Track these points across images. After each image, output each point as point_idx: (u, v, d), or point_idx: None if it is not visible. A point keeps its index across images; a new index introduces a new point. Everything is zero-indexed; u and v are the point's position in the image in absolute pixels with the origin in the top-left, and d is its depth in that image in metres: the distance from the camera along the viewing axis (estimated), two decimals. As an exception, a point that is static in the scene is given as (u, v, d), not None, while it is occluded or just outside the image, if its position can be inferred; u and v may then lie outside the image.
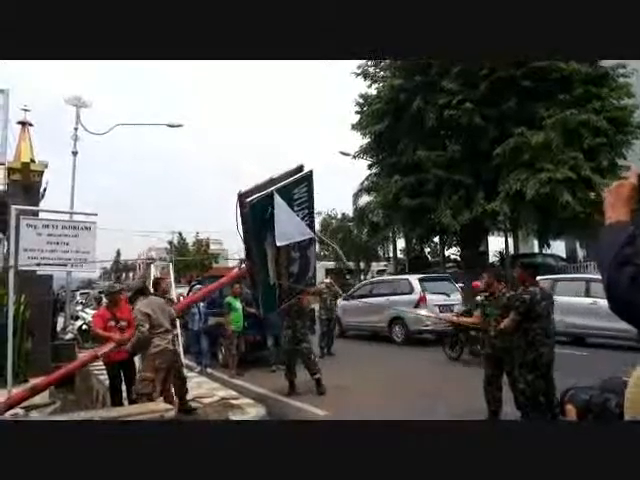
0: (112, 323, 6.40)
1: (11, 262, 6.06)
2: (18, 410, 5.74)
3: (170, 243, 49.29)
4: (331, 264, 39.72)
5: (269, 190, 5.58)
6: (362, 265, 37.55)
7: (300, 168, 6.33)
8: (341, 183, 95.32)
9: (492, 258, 28.84)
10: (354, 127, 25.70)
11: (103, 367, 9.93)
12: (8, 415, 4.67)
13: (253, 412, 6.75)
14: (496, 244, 28.85)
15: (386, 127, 23.54)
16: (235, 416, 6.51)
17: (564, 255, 26.12)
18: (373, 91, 25.05)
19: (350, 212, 33.40)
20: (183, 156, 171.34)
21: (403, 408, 6.94)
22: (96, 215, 6.57)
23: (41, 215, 7.42)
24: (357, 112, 25.89)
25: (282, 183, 5.83)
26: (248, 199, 5.42)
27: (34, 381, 6.48)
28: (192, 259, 45.67)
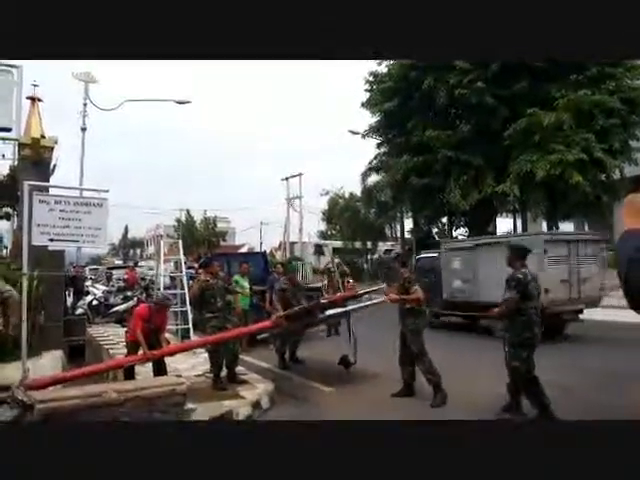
0: (145, 324, 6.52)
1: (24, 237, 6.13)
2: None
3: (178, 220, 49.44)
4: (338, 243, 39.78)
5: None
6: (369, 244, 37.56)
7: None
8: (349, 162, 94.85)
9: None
10: (363, 105, 25.47)
11: (114, 343, 10.12)
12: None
13: (261, 387, 6.86)
14: (504, 225, 28.75)
15: (396, 106, 23.32)
16: (244, 391, 6.63)
17: (572, 237, 26.01)
18: (383, 69, 24.76)
19: (358, 191, 33.29)
20: (191, 133, 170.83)
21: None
22: (107, 191, 6.59)
23: (52, 191, 7.46)
24: (367, 90, 25.62)
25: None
26: None
27: (57, 374, 6.61)
28: (200, 236, 45.90)
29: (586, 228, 26.94)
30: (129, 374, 6.64)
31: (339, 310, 7.49)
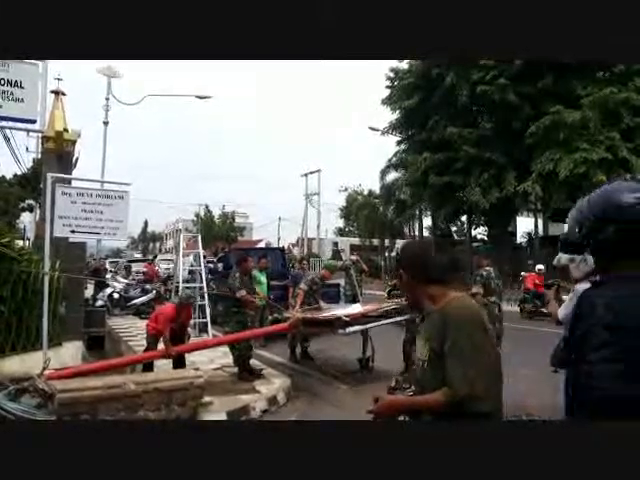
0: (172, 324, 6.62)
1: (47, 229, 6.20)
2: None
3: (197, 215, 49.80)
4: (356, 240, 39.70)
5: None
6: (387, 242, 37.40)
7: None
8: (369, 159, 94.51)
9: (520, 239, 28.40)
10: (384, 102, 25.33)
11: (132, 334, 10.22)
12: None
13: (277, 382, 6.86)
14: (525, 225, 28.36)
15: (417, 102, 23.15)
16: (260, 386, 6.63)
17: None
18: (404, 65, 24.57)
19: (377, 189, 33.16)
20: (211, 129, 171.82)
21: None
22: (129, 185, 6.65)
23: (74, 184, 7.55)
24: (387, 87, 25.48)
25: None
26: None
27: (79, 366, 6.73)
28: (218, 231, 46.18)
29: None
30: (148, 366, 6.71)
31: (359, 327, 7.44)
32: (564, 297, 3.92)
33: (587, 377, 1.55)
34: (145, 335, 7.15)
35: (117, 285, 15.72)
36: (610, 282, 1.63)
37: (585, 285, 3.30)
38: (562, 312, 3.68)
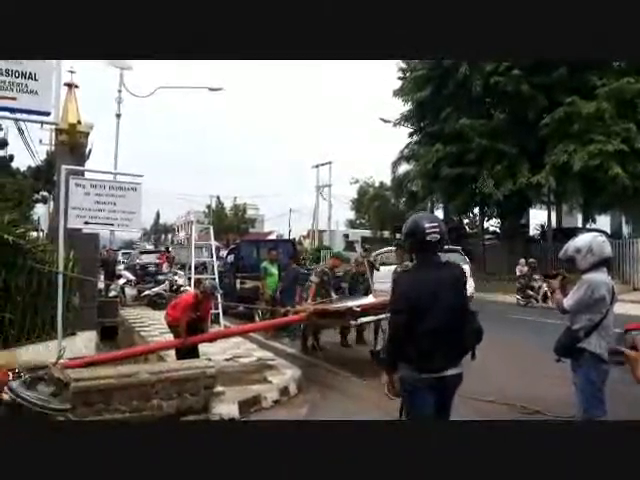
0: (191, 313, 6.61)
1: (60, 220, 6.27)
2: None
3: (208, 207, 49.98)
4: (367, 232, 39.60)
5: None
6: (398, 234, 37.23)
7: None
8: (380, 151, 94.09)
9: (533, 231, 28.13)
10: (396, 93, 25.14)
11: (145, 325, 10.33)
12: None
13: (289, 373, 6.89)
14: (538, 217, 28.06)
15: (429, 94, 22.94)
16: (272, 376, 6.67)
17: (609, 231, 25.22)
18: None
19: (388, 180, 32.99)
20: (222, 121, 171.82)
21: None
22: (142, 176, 6.70)
23: (88, 175, 7.61)
24: (399, 78, 25.29)
25: None
26: None
27: (92, 356, 6.84)
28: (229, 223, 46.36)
29: (623, 221, 26.11)
30: (192, 351, 6.69)
31: (370, 318, 7.49)
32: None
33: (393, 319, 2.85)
34: (158, 325, 7.22)
35: (129, 276, 15.86)
36: (412, 269, 3.22)
37: (592, 275, 3.67)
38: (568, 302, 3.68)
